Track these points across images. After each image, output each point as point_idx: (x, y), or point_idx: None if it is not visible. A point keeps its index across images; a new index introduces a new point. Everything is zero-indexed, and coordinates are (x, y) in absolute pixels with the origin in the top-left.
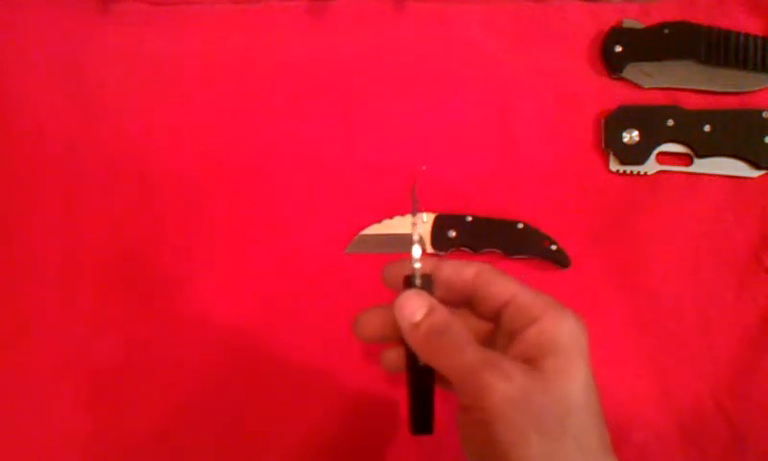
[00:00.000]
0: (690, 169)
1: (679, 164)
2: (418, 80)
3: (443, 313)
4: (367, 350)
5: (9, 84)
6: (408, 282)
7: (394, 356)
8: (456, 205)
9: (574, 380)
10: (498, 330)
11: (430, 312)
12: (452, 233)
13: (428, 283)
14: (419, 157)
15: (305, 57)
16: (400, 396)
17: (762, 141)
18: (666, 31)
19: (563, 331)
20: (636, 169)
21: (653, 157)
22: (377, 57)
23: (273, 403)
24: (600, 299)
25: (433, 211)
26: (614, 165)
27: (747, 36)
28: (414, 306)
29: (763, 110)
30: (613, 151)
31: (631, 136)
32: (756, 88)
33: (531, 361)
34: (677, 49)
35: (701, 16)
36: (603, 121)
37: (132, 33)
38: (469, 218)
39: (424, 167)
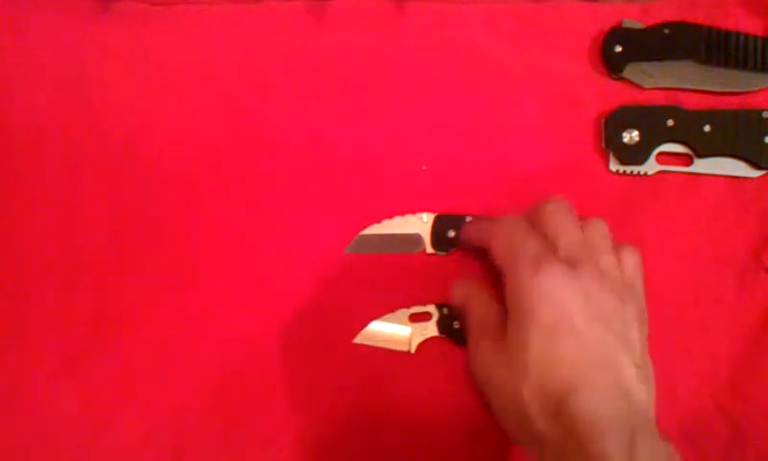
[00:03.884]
0: (690, 169)
1: (679, 164)
2: (418, 80)
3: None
4: (368, 349)
5: (8, 84)
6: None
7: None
8: (456, 205)
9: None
10: None
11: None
12: (452, 233)
13: None
14: (419, 157)
15: (305, 57)
16: (402, 395)
17: (762, 141)
18: (666, 31)
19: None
20: (636, 169)
21: (653, 157)
22: (377, 57)
23: (273, 403)
24: None
25: (433, 211)
26: (614, 165)
27: (747, 36)
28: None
29: (763, 110)
30: (613, 151)
31: (631, 136)
32: (756, 88)
33: None
34: (677, 49)
35: (701, 16)
36: (603, 121)
37: (131, 33)
38: (469, 218)
39: (424, 167)
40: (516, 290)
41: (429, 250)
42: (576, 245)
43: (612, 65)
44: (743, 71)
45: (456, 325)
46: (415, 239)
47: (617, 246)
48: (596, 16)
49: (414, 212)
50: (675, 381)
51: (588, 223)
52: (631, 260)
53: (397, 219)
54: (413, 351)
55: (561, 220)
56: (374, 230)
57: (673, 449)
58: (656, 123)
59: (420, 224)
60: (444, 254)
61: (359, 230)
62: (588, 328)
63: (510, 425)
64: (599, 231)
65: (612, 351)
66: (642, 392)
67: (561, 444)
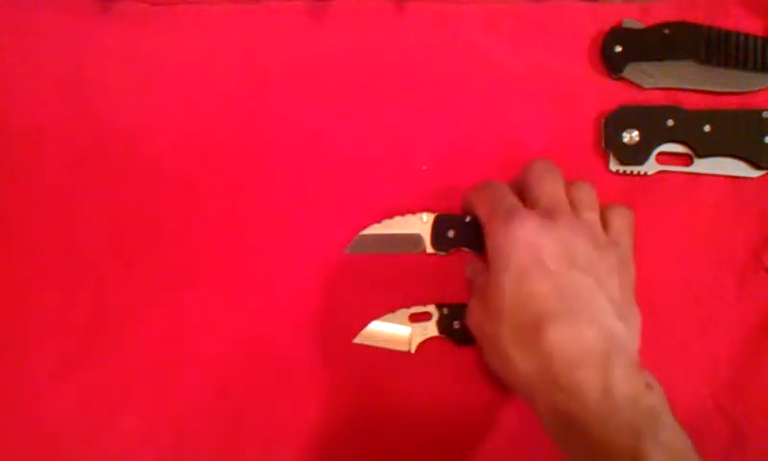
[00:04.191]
0: (690, 169)
1: (679, 164)
2: (418, 80)
3: None
4: (368, 349)
5: (9, 84)
6: None
7: None
8: (456, 204)
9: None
10: None
11: None
12: (452, 233)
13: None
14: (419, 157)
15: (305, 57)
16: (402, 395)
17: (762, 141)
18: (666, 31)
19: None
20: (636, 169)
21: (653, 157)
22: (377, 57)
23: (273, 403)
24: None
25: (433, 211)
26: (614, 165)
27: (747, 36)
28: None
29: (763, 110)
30: (613, 151)
31: (631, 136)
32: (756, 88)
33: None
34: (677, 49)
35: (701, 16)
36: (603, 121)
37: (132, 33)
38: (468, 218)
39: (424, 167)
40: (492, 242)
41: (429, 250)
42: (557, 200)
43: (612, 65)
44: (743, 71)
45: (456, 325)
46: (415, 239)
47: (607, 207)
48: (596, 16)
49: (414, 212)
50: (675, 381)
51: (573, 184)
52: (618, 219)
53: (397, 219)
54: (413, 351)
55: (545, 177)
56: (374, 229)
57: (652, 379)
58: (656, 123)
59: (420, 224)
60: (444, 253)
61: (359, 230)
62: (560, 270)
63: (502, 375)
64: (584, 191)
65: (586, 290)
66: (620, 327)
67: (541, 380)
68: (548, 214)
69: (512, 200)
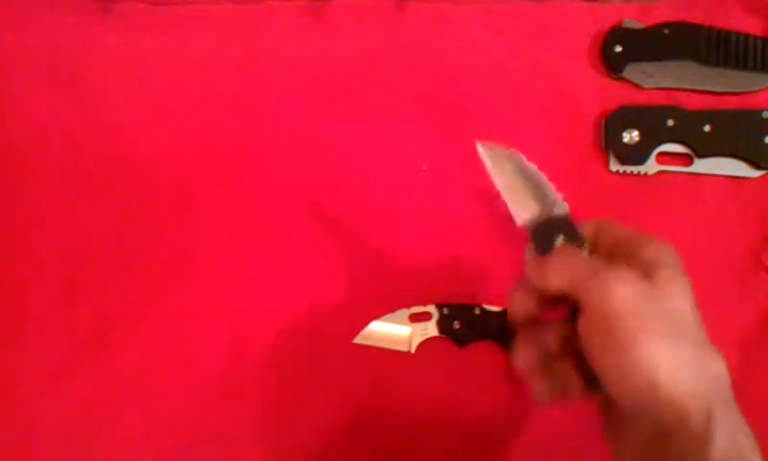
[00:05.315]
0: (690, 169)
1: (679, 164)
2: (417, 79)
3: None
4: (368, 349)
5: (9, 85)
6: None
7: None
8: (455, 205)
9: (683, 286)
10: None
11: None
12: (457, 325)
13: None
14: (419, 156)
15: (306, 57)
16: (402, 395)
17: (762, 141)
18: (666, 31)
19: (665, 251)
20: (636, 169)
21: (653, 157)
22: (377, 57)
23: (273, 403)
24: None
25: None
26: (614, 165)
27: (747, 36)
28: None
29: (763, 110)
30: (613, 151)
31: (631, 136)
32: (756, 88)
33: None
34: (677, 49)
35: (700, 16)
36: (603, 121)
37: (132, 33)
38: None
39: (424, 167)
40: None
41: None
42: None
43: (612, 65)
44: (743, 71)
45: (456, 325)
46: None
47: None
48: (596, 16)
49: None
50: None
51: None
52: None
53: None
54: (413, 351)
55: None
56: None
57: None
58: (656, 123)
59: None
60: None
61: (358, 231)
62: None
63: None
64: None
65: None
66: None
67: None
68: (648, 274)
69: (598, 262)
